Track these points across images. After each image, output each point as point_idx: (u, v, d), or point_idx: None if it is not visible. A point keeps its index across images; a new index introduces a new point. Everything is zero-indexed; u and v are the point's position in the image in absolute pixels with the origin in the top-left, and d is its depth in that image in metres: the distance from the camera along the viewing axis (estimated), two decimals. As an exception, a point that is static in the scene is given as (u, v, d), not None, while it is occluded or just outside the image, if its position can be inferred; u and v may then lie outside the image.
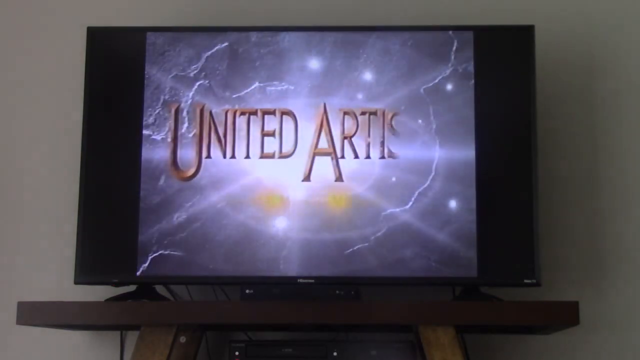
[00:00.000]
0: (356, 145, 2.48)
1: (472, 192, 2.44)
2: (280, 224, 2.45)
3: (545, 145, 2.62)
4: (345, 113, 2.49)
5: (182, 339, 2.50)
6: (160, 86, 2.52)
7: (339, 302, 2.36)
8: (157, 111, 2.51)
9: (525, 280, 2.40)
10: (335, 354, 2.37)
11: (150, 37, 2.54)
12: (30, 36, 2.83)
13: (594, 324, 2.59)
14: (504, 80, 2.50)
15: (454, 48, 2.50)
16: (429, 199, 2.44)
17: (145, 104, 2.51)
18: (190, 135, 2.50)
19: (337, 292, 2.38)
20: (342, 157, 2.48)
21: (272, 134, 2.49)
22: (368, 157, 2.47)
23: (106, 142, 2.51)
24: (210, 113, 2.51)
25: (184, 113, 2.51)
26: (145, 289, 2.49)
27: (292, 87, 2.51)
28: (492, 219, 2.44)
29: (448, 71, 2.49)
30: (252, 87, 2.51)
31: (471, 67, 2.49)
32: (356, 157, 2.48)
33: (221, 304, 2.49)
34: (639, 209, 2.67)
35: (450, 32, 2.51)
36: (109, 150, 2.51)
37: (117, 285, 2.50)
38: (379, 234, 2.43)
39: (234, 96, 2.51)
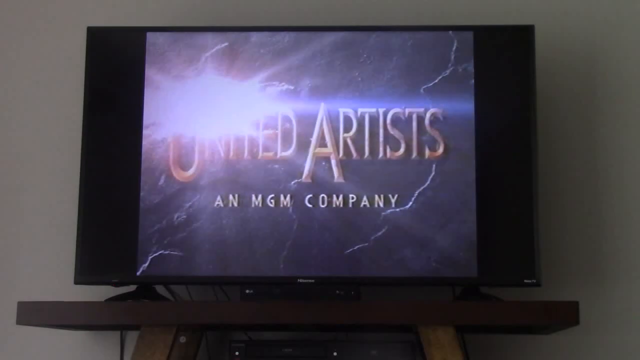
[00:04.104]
0: (356, 145, 2.48)
1: (472, 192, 2.44)
2: (280, 224, 2.45)
3: (545, 146, 2.62)
4: (345, 113, 2.49)
5: (182, 339, 2.50)
6: (160, 86, 2.52)
7: (339, 302, 2.36)
8: (157, 111, 2.51)
9: (525, 280, 2.40)
10: (335, 354, 2.37)
11: (150, 37, 2.54)
12: (30, 36, 2.83)
13: (594, 324, 2.59)
14: (504, 80, 2.50)
15: (454, 48, 2.50)
16: (429, 199, 2.44)
17: (145, 104, 2.51)
18: (190, 135, 2.50)
19: (337, 292, 2.38)
20: (342, 157, 2.48)
21: (272, 134, 2.49)
22: (368, 157, 2.47)
23: (106, 142, 2.51)
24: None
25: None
26: (145, 289, 2.49)
27: (292, 87, 2.51)
28: (492, 218, 2.44)
29: (448, 71, 2.49)
30: (252, 87, 2.51)
31: (471, 67, 2.49)
32: (356, 157, 2.48)
33: (221, 304, 2.49)
34: (639, 209, 2.67)
35: (450, 32, 2.51)
36: (109, 150, 2.51)
37: (117, 285, 2.50)
38: (379, 234, 2.43)
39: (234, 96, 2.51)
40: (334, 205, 2.45)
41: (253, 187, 2.47)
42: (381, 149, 2.47)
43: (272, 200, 2.46)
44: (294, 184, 2.47)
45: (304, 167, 2.48)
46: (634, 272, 2.64)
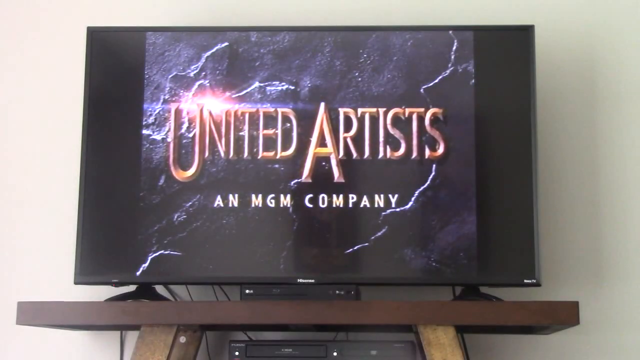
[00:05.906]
0: (356, 145, 2.48)
1: (472, 191, 2.44)
2: (280, 224, 2.45)
3: (545, 145, 2.62)
4: (345, 113, 2.49)
5: (182, 339, 2.51)
6: (160, 86, 2.52)
7: (339, 302, 2.36)
8: (157, 111, 2.51)
9: (525, 280, 2.40)
10: (335, 354, 2.37)
11: (150, 37, 2.54)
12: (30, 36, 2.83)
13: (594, 324, 2.59)
14: (504, 80, 2.50)
15: (454, 48, 2.50)
16: (429, 199, 2.44)
17: (145, 104, 2.51)
18: (190, 135, 2.50)
19: (337, 292, 2.38)
20: (343, 157, 2.48)
21: (272, 134, 2.49)
22: (368, 157, 2.47)
23: (106, 142, 2.51)
24: (210, 113, 2.51)
25: (184, 113, 2.51)
26: (145, 289, 2.49)
27: (292, 87, 2.51)
28: (492, 218, 2.44)
29: (448, 71, 2.49)
30: (252, 87, 2.51)
31: (471, 67, 2.49)
32: (356, 157, 2.48)
33: (221, 304, 2.49)
34: (639, 209, 2.67)
35: (450, 32, 2.51)
36: (109, 150, 2.51)
37: (117, 285, 2.50)
38: (379, 234, 2.44)
39: (234, 96, 2.51)
40: (334, 205, 2.46)
41: (253, 187, 2.47)
42: (381, 149, 2.48)
43: (272, 200, 2.46)
44: (294, 184, 2.47)
45: (304, 167, 2.48)
46: (634, 272, 2.64)
